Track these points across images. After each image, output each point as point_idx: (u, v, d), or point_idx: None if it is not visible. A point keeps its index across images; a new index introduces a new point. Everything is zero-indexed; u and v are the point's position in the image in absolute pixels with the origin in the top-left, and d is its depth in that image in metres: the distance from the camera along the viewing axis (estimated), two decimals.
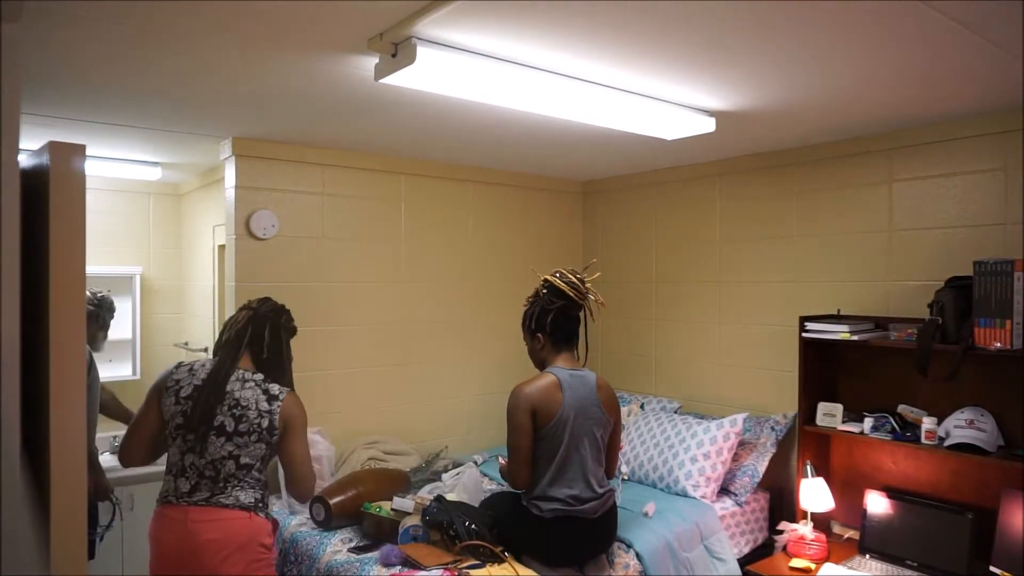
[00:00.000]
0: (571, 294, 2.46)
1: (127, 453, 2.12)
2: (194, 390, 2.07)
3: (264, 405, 2.07)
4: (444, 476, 3.06)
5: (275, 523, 2.18)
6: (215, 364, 2.13)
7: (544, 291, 2.50)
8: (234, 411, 2.05)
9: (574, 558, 2.44)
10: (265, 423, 2.06)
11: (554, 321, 2.48)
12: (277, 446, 2.11)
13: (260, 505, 2.09)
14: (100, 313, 3.13)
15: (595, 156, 3.57)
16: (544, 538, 2.38)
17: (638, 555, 2.60)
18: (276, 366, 2.21)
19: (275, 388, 2.12)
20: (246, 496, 2.05)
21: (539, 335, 2.51)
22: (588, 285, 2.51)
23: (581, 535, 2.39)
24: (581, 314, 2.54)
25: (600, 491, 2.42)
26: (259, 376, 2.14)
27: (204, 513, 2.00)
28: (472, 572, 2.28)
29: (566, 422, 2.37)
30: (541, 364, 2.55)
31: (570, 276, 2.49)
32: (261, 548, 2.06)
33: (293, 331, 2.31)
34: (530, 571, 2.33)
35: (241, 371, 2.13)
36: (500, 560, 2.35)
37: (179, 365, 2.17)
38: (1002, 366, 2.56)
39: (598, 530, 2.43)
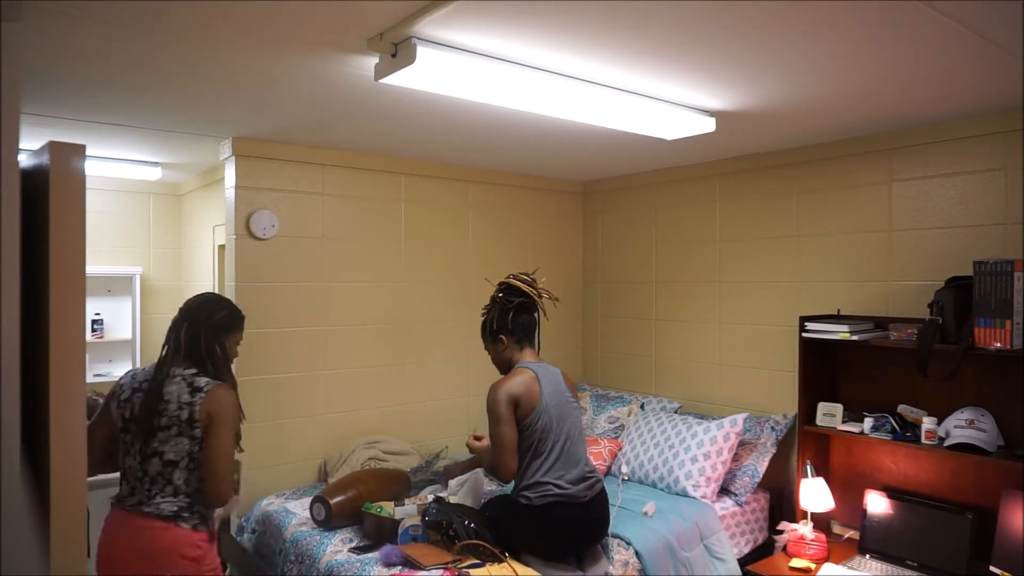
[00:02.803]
0: (527, 290, 2.61)
1: None
2: (132, 392, 2.07)
3: (185, 397, 2.01)
4: (451, 483, 3.05)
5: (210, 533, 2.07)
6: (154, 365, 2.11)
7: (500, 294, 2.64)
8: (158, 407, 2.01)
9: (570, 544, 2.46)
10: (184, 415, 2.00)
11: (515, 319, 2.61)
12: (203, 441, 2.03)
13: (185, 515, 2.00)
14: None
15: (595, 156, 3.57)
16: (539, 528, 2.41)
17: (637, 553, 2.61)
18: (203, 362, 2.11)
19: (202, 381, 2.05)
20: (168, 505, 1.99)
21: (502, 336, 2.63)
22: (540, 285, 2.67)
23: (574, 520, 2.43)
24: (535, 315, 2.68)
25: (587, 472, 2.50)
26: (191, 371, 2.08)
27: (128, 521, 1.98)
28: (472, 572, 2.29)
29: (547, 412, 2.47)
30: (507, 365, 2.65)
31: (522, 275, 2.66)
32: (184, 561, 1.97)
33: (223, 326, 2.17)
34: (530, 570, 2.33)
35: (175, 369, 2.08)
36: (500, 560, 2.36)
37: (129, 371, 2.17)
38: (1002, 366, 2.56)
39: (590, 513, 2.47)
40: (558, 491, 2.41)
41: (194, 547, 1.99)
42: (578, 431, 2.56)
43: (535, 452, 2.46)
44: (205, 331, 2.13)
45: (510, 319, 2.61)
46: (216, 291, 3.81)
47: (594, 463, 2.63)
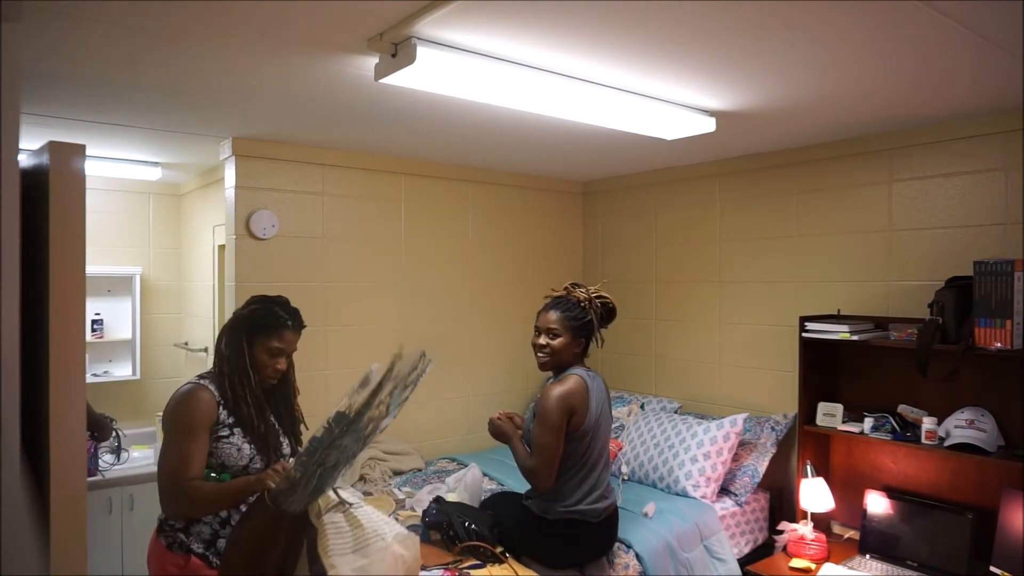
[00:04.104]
0: (616, 312, 2.55)
1: None
2: None
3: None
4: (448, 479, 3.05)
5: (185, 558, 1.89)
6: None
7: (600, 306, 2.51)
8: None
9: (576, 559, 2.44)
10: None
11: (595, 334, 2.52)
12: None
13: (164, 528, 1.93)
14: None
15: (595, 156, 3.57)
16: (546, 540, 2.39)
17: (638, 556, 2.60)
18: (218, 365, 1.99)
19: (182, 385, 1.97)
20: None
21: (582, 340, 2.49)
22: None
23: (584, 538, 2.40)
24: None
25: (606, 493, 2.44)
26: (196, 376, 1.99)
27: None
28: (472, 572, 2.28)
29: (594, 427, 2.38)
30: (562, 363, 2.49)
31: (608, 298, 2.54)
32: None
33: (257, 325, 1.98)
34: (530, 571, 2.33)
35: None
36: (500, 560, 2.36)
37: None
38: (1002, 366, 2.56)
39: (600, 533, 2.44)
40: (574, 509, 2.37)
41: (172, 565, 1.97)
42: (607, 450, 2.49)
43: (576, 467, 2.38)
44: (233, 331, 1.98)
45: (594, 335, 2.51)
46: (216, 291, 3.82)
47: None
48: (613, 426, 3.69)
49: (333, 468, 1.72)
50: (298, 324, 2.04)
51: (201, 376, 2.00)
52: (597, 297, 2.52)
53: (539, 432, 2.33)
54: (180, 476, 1.83)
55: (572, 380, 2.40)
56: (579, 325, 2.48)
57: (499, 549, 2.39)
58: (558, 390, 2.35)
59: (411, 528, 2.50)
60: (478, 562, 2.34)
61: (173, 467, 1.85)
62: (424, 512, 2.50)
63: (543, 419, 2.33)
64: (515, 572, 2.29)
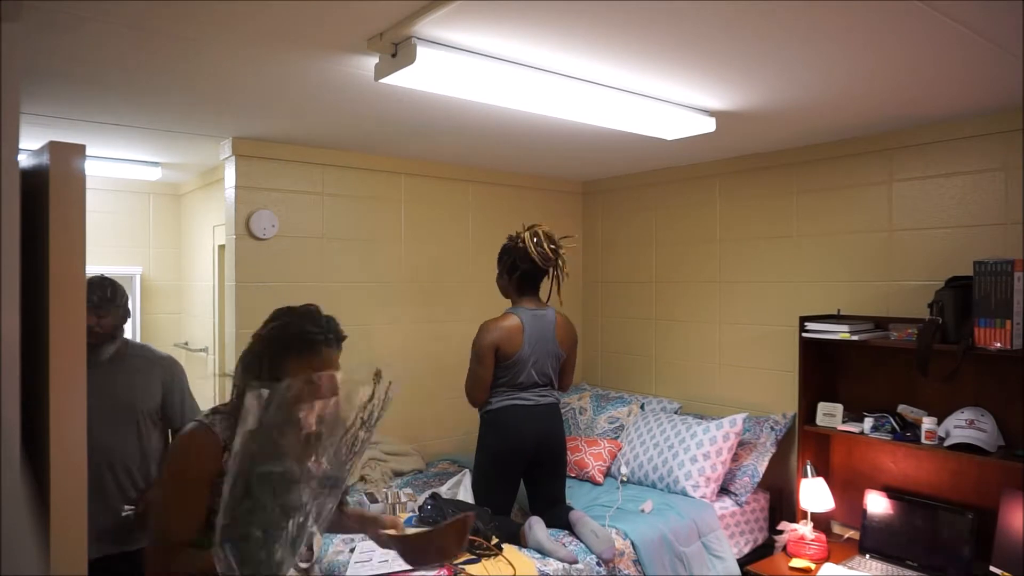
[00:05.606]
0: (537, 261, 2.76)
1: None
2: None
3: None
4: (441, 489, 3.06)
5: None
6: None
7: (520, 245, 2.81)
8: None
9: (524, 435, 2.70)
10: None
11: (521, 276, 2.82)
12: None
13: None
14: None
15: (595, 156, 3.57)
16: (496, 423, 2.73)
17: (633, 544, 2.65)
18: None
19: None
20: None
21: (507, 276, 2.87)
22: (562, 252, 2.82)
23: (523, 415, 2.74)
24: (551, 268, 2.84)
25: (540, 397, 2.81)
26: (209, 410, 1.64)
27: None
28: (468, 568, 2.29)
29: (525, 358, 2.74)
30: (506, 296, 2.93)
31: (544, 246, 2.76)
32: None
33: (284, 348, 1.61)
34: (526, 558, 2.34)
35: None
36: (495, 554, 2.36)
37: None
38: (1002, 366, 2.56)
39: (536, 413, 2.76)
40: (513, 401, 2.75)
41: None
42: (547, 375, 2.82)
43: (507, 385, 2.76)
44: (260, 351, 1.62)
45: (517, 275, 2.82)
46: (216, 291, 3.82)
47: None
48: (612, 426, 3.69)
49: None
50: (337, 337, 1.64)
51: (215, 410, 1.61)
52: (520, 240, 2.80)
53: (472, 361, 2.78)
54: (163, 540, 1.49)
55: (506, 319, 2.78)
56: (503, 259, 2.89)
57: (494, 541, 2.40)
58: (488, 327, 2.75)
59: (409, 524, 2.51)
60: (473, 556, 2.34)
61: (161, 527, 1.52)
62: (420, 507, 2.51)
63: (473, 350, 2.77)
64: (510, 564, 2.30)
